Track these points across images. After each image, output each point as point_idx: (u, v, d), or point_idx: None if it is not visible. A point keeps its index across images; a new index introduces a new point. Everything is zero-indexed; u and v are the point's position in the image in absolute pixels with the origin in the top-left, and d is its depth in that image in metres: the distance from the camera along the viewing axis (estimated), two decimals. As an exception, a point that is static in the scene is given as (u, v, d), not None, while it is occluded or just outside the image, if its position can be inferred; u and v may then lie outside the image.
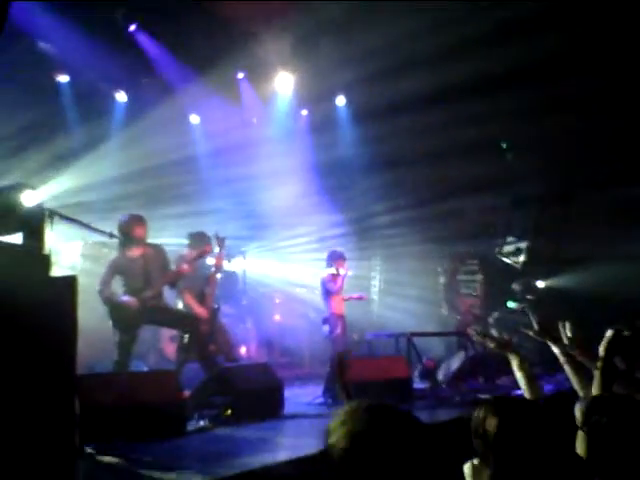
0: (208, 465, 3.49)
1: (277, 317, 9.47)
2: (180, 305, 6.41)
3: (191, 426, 4.65)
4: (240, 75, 9.38)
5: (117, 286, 5.61)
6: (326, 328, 7.30)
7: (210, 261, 6.55)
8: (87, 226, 4.87)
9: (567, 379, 6.58)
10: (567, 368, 2.95)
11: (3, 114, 7.32)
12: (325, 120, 10.09)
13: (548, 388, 6.42)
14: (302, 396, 6.51)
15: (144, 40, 8.43)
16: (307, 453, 3.43)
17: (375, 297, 9.21)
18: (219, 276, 6.30)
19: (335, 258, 7.37)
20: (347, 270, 7.29)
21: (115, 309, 5.32)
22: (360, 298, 7.77)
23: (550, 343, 3.02)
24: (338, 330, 7.26)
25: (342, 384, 5.69)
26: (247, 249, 9.07)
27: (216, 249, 6.17)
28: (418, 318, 8.87)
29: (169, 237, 7.30)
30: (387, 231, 9.67)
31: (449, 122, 8.93)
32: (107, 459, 3.67)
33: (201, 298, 6.11)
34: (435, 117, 9.05)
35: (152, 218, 6.06)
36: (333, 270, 7.26)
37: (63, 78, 8.69)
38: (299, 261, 9.42)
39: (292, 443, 4.35)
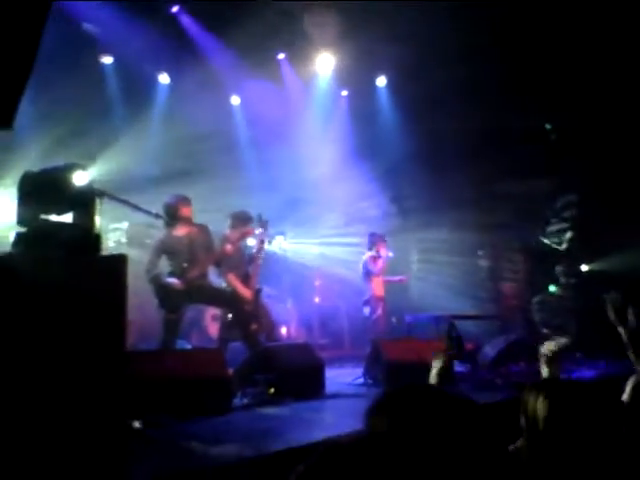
0: (252, 441, 3.55)
1: (317, 299, 9.51)
2: (224, 285, 6.48)
3: (235, 404, 4.73)
4: (281, 56, 9.37)
5: (163, 265, 5.69)
6: (367, 310, 7.33)
7: (252, 242, 6.60)
8: (135, 206, 4.92)
9: (608, 364, 6.49)
10: (630, 353, 2.92)
11: (48, 95, 7.46)
12: (365, 101, 10.03)
13: (590, 374, 6.34)
14: (342, 376, 6.56)
15: (186, 21, 8.48)
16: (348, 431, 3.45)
17: (414, 280, 9.16)
18: (262, 257, 6.33)
19: (376, 240, 7.40)
20: (388, 252, 7.30)
21: (161, 289, 5.42)
22: (401, 281, 7.77)
23: (620, 327, 2.99)
24: (379, 311, 7.30)
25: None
26: (287, 230, 9.10)
27: (259, 231, 6.21)
28: (457, 301, 8.80)
29: (210, 217, 7.37)
30: (428, 214, 9.58)
31: (493, 104, 8.79)
32: (153, 434, 3.76)
33: (245, 279, 6.17)
34: (478, 99, 8.94)
35: (194, 198, 6.12)
36: (374, 252, 7.29)
37: (107, 59, 8.80)
38: (339, 243, 9.41)
39: (334, 422, 4.39)
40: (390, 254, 7.42)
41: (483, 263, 9.33)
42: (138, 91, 8.97)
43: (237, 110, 10.04)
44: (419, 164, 9.61)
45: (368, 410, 1.65)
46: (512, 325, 8.03)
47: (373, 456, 1.53)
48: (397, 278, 7.73)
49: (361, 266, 7.45)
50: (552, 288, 9.07)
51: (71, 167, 4.16)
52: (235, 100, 10.04)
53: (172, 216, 5.55)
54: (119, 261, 4.02)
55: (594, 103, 8.56)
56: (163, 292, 5.42)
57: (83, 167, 4.18)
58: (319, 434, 3.62)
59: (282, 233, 8.93)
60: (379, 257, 7.33)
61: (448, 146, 9.42)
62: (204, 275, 5.68)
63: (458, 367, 6.83)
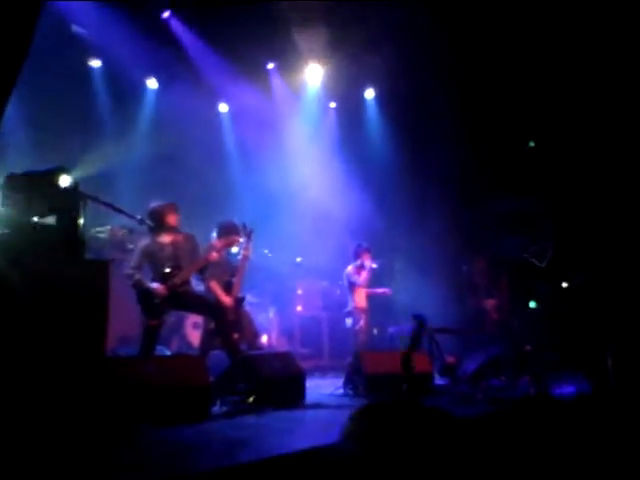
0: (231, 450, 3.53)
1: (299, 308, 9.51)
2: (204, 292, 6.46)
3: (214, 412, 4.71)
4: (270, 65, 9.41)
5: (145, 271, 5.66)
6: (349, 321, 7.36)
7: (236, 250, 6.60)
8: (119, 210, 4.93)
9: (587, 382, 6.54)
10: None
11: (35, 97, 7.42)
12: (353, 113, 10.10)
13: (569, 390, 6.38)
14: (323, 387, 6.55)
15: (177, 27, 8.51)
16: (329, 442, 3.45)
17: (398, 291, 9.19)
18: (245, 267, 6.33)
19: (360, 251, 7.43)
20: (372, 263, 7.33)
21: (143, 294, 5.39)
22: (384, 293, 7.79)
23: None
24: (361, 323, 7.32)
25: (407, 378, 5.67)
26: (270, 239, 9.10)
27: (244, 240, 6.21)
28: (439, 315, 8.84)
29: (195, 224, 7.36)
30: (413, 226, 9.63)
31: (479, 118, 8.90)
32: (131, 440, 3.73)
33: (228, 287, 6.17)
34: (465, 113, 9.04)
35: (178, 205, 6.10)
36: (358, 263, 7.33)
37: (95, 63, 8.80)
38: (324, 253, 9.42)
39: (313, 432, 4.38)
40: (374, 265, 7.45)
41: (466, 277, 9.38)
42: (126, 96, 8.96)
43: (225, 117, 10.05)
44: (405, 176, 9.67)
45: (343, 428, 1.66)
46: (493, 340, 8.07)
47: (349, 472, 1.54)
48: (381, 290, 7.75)
49: (345, 277, 7.47)
50: (532, 304, 9.15)
51: (56, 170, 4.16)
52: (223, 107, 10.05)
53: (157, 222, 5.53)
54: (102, 267, 4.02)
55: (578, 120, 8.68)
56: (145, 298, 5.39)
57: (68, 170, 4.18)
58: (298, 444, 3.61)
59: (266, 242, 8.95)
60: (363, 268, 7.36)
61: (434, 160, 9.50)
62: (187, 282, 5.67)
63: (438, 380, 6.86)
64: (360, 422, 1.64)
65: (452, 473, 1.57)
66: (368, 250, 7.46)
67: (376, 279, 7.88)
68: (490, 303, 8.55)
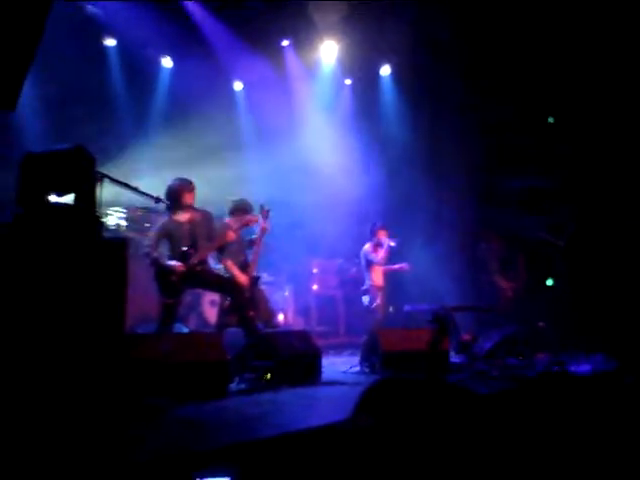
0: (249, 426, 3.57)
1: (315, 286, 9.54)
2: (221, 270, 6.49)
3: (232, 389, 4.77)
4: (285, 42, 9.33)
5: (163, 249, 5.69)
6: (366, 299, 7.37)
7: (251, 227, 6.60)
8: (135, 189, 4.94)
9: (603, 361, 6.53)
10: None
11: (50, 77, 7.44)
12: (369, 90, 10.02)
13: (585, 369, 6.36)
14: (338, 364, 6.59)
15: (191, 5, 8.45)
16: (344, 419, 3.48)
17: (415, 269, 9.18)
18: (261, 246, 6.34)
19: (376, 229, 7.43)
20: (390, 241, 7.33)
21: (161, 272, 5.42)
22: (401, 269, 7.76)
23: None
24: (378, 301, 7.34)
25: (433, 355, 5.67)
26: (287, 218, 9.10)
27: (261, 220, 6.21)
28: (456, 292, 8.82)
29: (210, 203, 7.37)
30: (429, 205, 9.58)
31: (497, 94, 8.78)
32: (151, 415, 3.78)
33: (243, 266, 6.19)
34: (481, 90, 8.93)
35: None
36: (375, 241, 7.34)
37: (110, 42, 8.78)
38: (339, 232, 9.41)
39: (329, 409, 4.42)
40: (392, 243, 7.44)
41: (483, 256, 9.34)
42: (141, 74, 8.94)
43: (239, 95, 10.01)
44: (421, 154, 9.61)
45: (357, 401, 1.67)
46: (509, 317, 8.05)
47: (358, 449, 1.55)
48: (397, 266, 7.72)
49: (362, 255, 7.48)
50: (550, 282, 9.10)
51: (73, 149, 4.17)
52: (238, 86, 10.01)
53: (174, 201, 5.55)
54: (120, 246, 4.05)
55: (598, 99, 8.54)
56: (163, 276, 5.42)
57: (85, 149, 4.19)
58: (314, 420, 3.65)
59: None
60: (380, 246, 7.38)
61: (449, 137, 9.41)
62: (204, 261, 5.69)
63: (454, 358, 6.87)
64: (375, 396, 1.65)
65: (467, 449, 1.58)
66: (384, 228, 7.46)
67: (392, 256, 7.86)
68: (506, 281, 8.51)
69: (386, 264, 7.65)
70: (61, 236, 3.68)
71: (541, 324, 7.72)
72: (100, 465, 2.43)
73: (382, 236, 7.39)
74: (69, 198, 4.11)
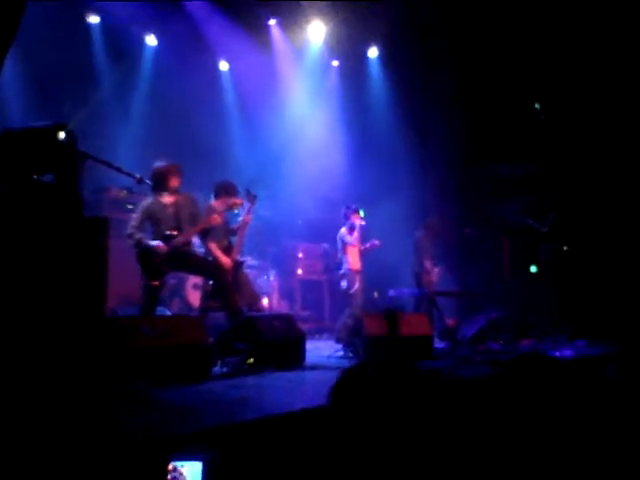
0: (232, 409, 3.54)
1: (299, 271, 9.52)
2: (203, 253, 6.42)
3: (214, 372, 4.73)
4: (272, 22, 9.21)
5: (146, 231, 5.60)
6: (344, 284, 7.38)
7: (237, 211, 6.54)
8: (117, 169, 4.84)
9: (586, 346, 6.57)
10: None
11: (33, 54, 7.28)
12: (356, 72, 9.94)
13: (568, 354, 6.41)
14: (322, 349, 6.59)
15: (176, -19, 8.29)
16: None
17: (399, 254, 9.18)
18: (246, 230, 6.26)
19: (350, 212, 7.46)
20: (360, 221, 7.39)
21: (144, 253, 5.34)
22: (372, 246, 7.75)
23: None
24: (357, 285, 7.35)
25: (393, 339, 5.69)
26: (272, 202, 9.04)
27: (247, 204, 6.13)
28: (439, 278, 8.83)
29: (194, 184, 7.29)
30: (413, 190, 9.56)
31: (484, 79, 8.75)
32: (133, 399, 3.74)
33: (227, 250, 6.11)
34: (468, 75, 8.89)
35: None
36: (349, 224, 7.38)
37: (94, 19, 8.61)
38: (322, 215, 9.37)
39: (312, 393, 4.39)
40: (362, 222, 7.47)
41: (467, 240, 9.35)
42: (125, 52, 8.79)
43: (225, 75, 9.88)
44: (406, 137, 9.57)
45: (333, 387, 1.64)
46: (493, 303, 8.09)
47: (334, 431, 1.52)
48: (369, 244, 7.71)
49: (338, 239, 7.51)
50: (533, 268, 9.13)
51: (53, 126, 4.07)
52: (223, 65, 9.88)
53: (160, 183, 5.46)
54: (100, 224, 3.96)
55: (582, 85, 8.54)
56: (146, 257, 5.34)
57: (65, 127, 4.09)
58: (297, 404, 3.62)
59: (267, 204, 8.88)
60: (354, 228, 7.42)
61: (435, 122, 9.38)
62: (188, 243, 5.62)
63: (438, 344, 6.89)
64: (346, 383, 1.62)
65: (441, 435, 1.56)
66: (357, 210, 7.52)
67: (366, 237, 7.83)
68: (489, 266, 8.53)
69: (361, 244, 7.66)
70: (40, 214, 3.59)
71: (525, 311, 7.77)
72: (75, 448, 2.38)
73: (355, 218, 7.44)
74: (49, 177, 4.03)
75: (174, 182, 5.56)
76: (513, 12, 8.16)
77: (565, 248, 9.00)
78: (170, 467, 2.22)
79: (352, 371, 1.68)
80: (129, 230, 5.41)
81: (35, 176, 3.92)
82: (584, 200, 9.04)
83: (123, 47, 8.74)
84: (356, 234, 7.44)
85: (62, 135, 3.90)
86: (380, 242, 7.83)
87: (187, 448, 2.34)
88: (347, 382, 1.66)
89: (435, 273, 8.22)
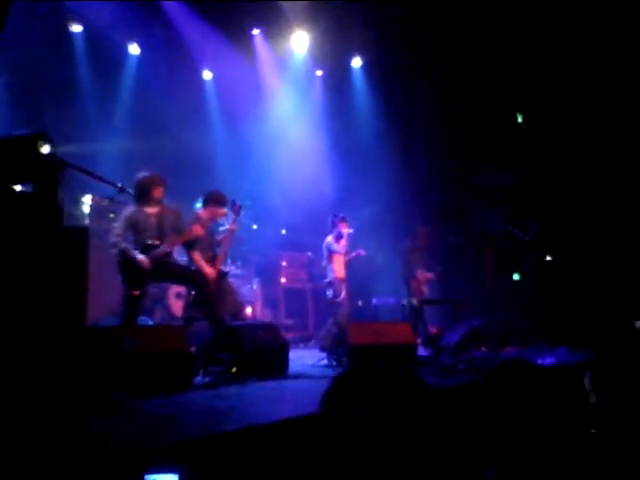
0: (215, 419, 3.51)
1: (283, 280, 9.50)
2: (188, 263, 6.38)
3: (197, 382, 4.70)
4: (255, 31, 9.23)
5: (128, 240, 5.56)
6: (330, 292, 7.38)
7: (221, 221, 6.51)
8: (99, 178, 4.82)
9: (567, 353, 6.62)
10: None
11: (13, 62, 7.24)
12: (340, 81, 9.99)
13: (550, 361, 6.44)
14: (306, 357, 6.57)
15: (159, -9, 8.29)
16: (312, 412, 3.45)
17: (383, 263, 9.21)
18: (230, 242, 6.24)
19: (337, 221, 7.47)
20: (348, 230, 7.41)
21: (126, 264, 5.30)
22: (358, 254, 7.78)
23: None
24: (343, 294, 7.36)
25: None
26: (255, 211, 9.03)
27: (232, 216, 6.11)
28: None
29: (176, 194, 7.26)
30: (398, 200, 9.60)
31: (466, 89, 8.83)
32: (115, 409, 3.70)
33: (212, 259, 6.06)
34: (451, 83, 8.96)
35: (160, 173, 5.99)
36: (336, 232, 7.40)
37: (76, 28, 8.58)
38: (305, 224, 9.38)
39: (296, 401, 4.38)
40: (350, 230, 7.49)
41: (451, 248, 9.40)
42: (107, 61, 8.76)
43: (209, 85, 9.88)
44: (389, 146, 9.61)
45: (324, 394, 1.63)
46: (476, 310, 8.12)
47: (328, 436, 1.51)
48: (355, 253, 7.74)
49: (324, 247, 7.51)
50: (516, 276, 9.19)
51: (33, 135, 4.04)
52: (207, 75, 9.88)
53: (143, 195, 5.43)
54: (80, 234, 3.93)
55: (565, 96, 8.64)
56: (128, 267, 5.30)
57: (46, 136, 4.06)
58: (280, 413, 3.60)
59: (251, 214, 8.87)
60: (342, 237, 7.43)
61: (418, 131, 9.44)
62: (169, 254, 5.58)
63: (421, 351, 6.90)
64: (338, 390, 1.62)
65: (426, 440, 1.56)
66: (344, 219, 7.53)
67: (352, 246, 7.86)
68: (472, 274, 8.57)
69: (347, 254, 7.68)
70: (18, 224, 3.55)
71: (506, 318, 7.81)
72: (49, 459, 2.34)
73: (342, 227, 7.45)
74: (29, 186, 3.99)
75: (157, 193, 5.52)
76: (495, 21, 8.25)
77: (548, 258, 9.08)
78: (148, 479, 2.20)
79: (343, 378, 1.68)
80: (113, 239, 5.37)
81: (14, 185, 3.89)
82: (566, 210, 9.13)
83: (106, 56, 8.71)
84: (344, 242, 7.47)
85: (42, 144, 3.87)
86: (365, 252, 7.86)
87: (163, 460, 2.32)
88: (338, 389, 1.66)
89: (427, 279, 8.24)
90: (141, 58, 9.10)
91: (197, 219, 5.95)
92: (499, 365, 2.14)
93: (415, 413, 1.55)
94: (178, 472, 2.20)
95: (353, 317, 7.89)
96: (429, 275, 8.31)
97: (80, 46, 8.66)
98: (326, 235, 7.66)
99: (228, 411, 3.77)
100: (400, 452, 1.51)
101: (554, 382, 2.09)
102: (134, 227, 5.45)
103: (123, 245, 5.31)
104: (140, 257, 5.30)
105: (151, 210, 5.52)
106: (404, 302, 8.10)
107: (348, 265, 7.67)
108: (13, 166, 3.91)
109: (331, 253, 7.44)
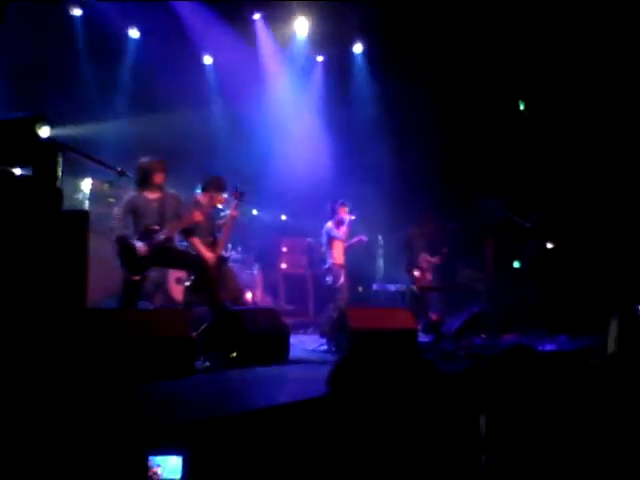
0: (217, 403, 3.52)
1: (283, 265, 9.50)
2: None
3: (197, 366, 4.69)
4: (256, 16, 9.16)
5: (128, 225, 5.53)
6: (329, 278, 7.36)
7: (221, 206, 6.48)
8: (98, 161, 4.79)
9: (567, 341, 6.63)
10: None
11: (15, 46, 7.18)
12: (341, 67, 9.93)
13: (550, 348, 6.46)
14: (306, 343, 6.59)
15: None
16: (313, 396, 3.45)
17: (383, 249, 9.20)
18: (232, 228, 6.20)
19: (338, 207, 7.43)
20: (350, 216, 7.37)
21: (125, 249, 5.28)
22: (360, 241, 7.76)
23: None
24: (342, 280, 7.35)
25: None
26: (256, 195, 8.99)
27: (234, 202, 6.07)
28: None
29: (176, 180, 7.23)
30: (396, 185, 9.56)
31: (468, 75, 8.78)
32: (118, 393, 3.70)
33: (212, 245, 6.04)
34: (454, 69, 8.92)
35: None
36: (337, 218, 7.36)
37: (76, 11, 8.51)
38: (305, 210, 9.35)
39: (296, 386, 4.39)
40: (352, 217, 7.45)
41: (451, 235, 9.38)
42: (107, 45, 8.69)
43: (209, 69, 9.82)
44: (388, 133, 9.58)
45: (330, 375, 1.62)
46: (476, 297, 8.11)
47: (336, 416, 1.51)
48: (356, 239, 7.72)
49: (324, 233, 7.46)
50: (516, 264, 9.18)
51: (32, 118, 4.01)
52: (207, 59, 9.81)
53: (144, 179, 5.40)
54: (80, 217, 3.92)
55: (567, 83, 8.60)
56: (127, 253, 5.28)
57: (45, 118, 4.03)
58: (281, 397, 3.62)
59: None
60: (342, 223, 7.39)
61: (419, 114, 9.38)
62: (169, 240, 5.55)
63: (422, 338, 6.91)
64: (344, 372, 1.61)
65: (431, 422, 1.55)
66: (344, 204, 7.48)
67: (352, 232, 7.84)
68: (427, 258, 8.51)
69: (347, 240, 7.65)
70: (18, 208, 3.53)
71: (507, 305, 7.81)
72: (53, 441, 2.34)
73: (343, 213, 7.41)
74: (28, 169, 3.98)
75: (159, 178, 5.49)
76: (498, 9, 8.20)
77: (549, 245, 9.07)
78: (151, 460, 2.20)
79: (349, 360, 1.67)
80: (112, 224, 5.35)
81: (13, 169, 3.87)
82: (567, 197, 9.11)
83: (105, 40, 8.64)
84: (344, 229, 7.42)
85: (41, 127, 3.85)
86: (367, 238, 7.83)
87: (167, 442, 2.32)
88: (345, 371, 1.65)
89: (433, 264, 8.23)
90: (141, 42, 9.03)
91: (197, 204, 5.93)
92: (503, 351, 2.13)
93: (423, 395, 1.55)
94: (182, 454, 2.20)
95: (353, 303, 7.88)
96: (433, 260, 8.30)
97: (79, 30, 8.59)
98: (326, 221, 7.63)
99: (228, 395, 3.78)
100: (406, 434, 1.50)
101: (558, 368, 2.08)
102: (134, 212, 5.43)
103: (122, 231, 5.29)
104: (138, 244, 5.27)
105: (152, 195, 5.49)
106: (404, 288, 8.10)
107: (349, 251, 7.64)
108: (12, 149, 3.88)
109: (331, 239, 7.41)
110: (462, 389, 2.14)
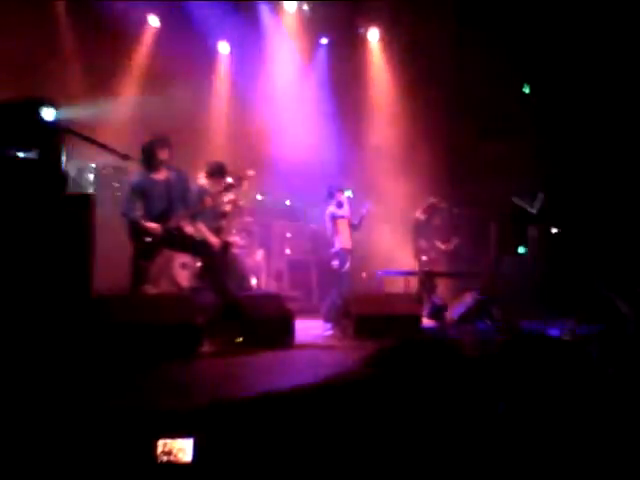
0: (223, 387, 3.52)
1: (288, 251, 9.49)
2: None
3: (203, 351, 4.69)
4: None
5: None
6: (335, 263, 7.32)
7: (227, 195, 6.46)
8: (102, 146, 4.76)
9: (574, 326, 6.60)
10: None
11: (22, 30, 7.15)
12: (345, 50, 9.88)
13: (554, 334, 6.44)
14: (311, 328, 6.57)
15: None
16: (317, 381, 3.44)
17: (387, 234, 9.15)
18: (236, 212, 6.20)
19: (334, 190, 7.36)
20: (348, 194, 7.33)
21: (137, 232, 5.27)
22: (367, 210, 7.60)
23: None
24: (348, 264, 7.30)
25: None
26: (261, 181, 8.96)
27: (238, 186, 6.05)
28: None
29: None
30: (401, 172, 9.52)
31: (478, 57, 8.71)
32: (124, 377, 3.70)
33: (217, 230, 6.04)
34: (457, 51, 8.87)
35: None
36: (335, 201, 7.32)
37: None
38: (311, 195, 9.32)
39: (302, 370, 4.38)
40: (349, 194, 7.40)
41: (455, 220, 9.36)
42: (126, 32, 8.65)
43: (215, 53, 9.79)
44: (393, 116, 9.53)
45: (367, 359, 1.62)
46: (480, 282, 8.10)
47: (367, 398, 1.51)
48: (363, 209, 7.53)
49: (327, 217, 7.38)
50: (521, 249, 9.16)
51: (36, 101, 3.98)
52: (223, 47, 9.79)
53: (149, 158, 5.37)
54: (86, 201, 3.90)
55: (573, 66, 8.53)
56: (139, 237, 5.28)
57: (49, 101, 4.00)
58: (287, 381, 3.60)
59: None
60: (342, 204, 7.33)
61: (429, 100, 9.33)
62: (180, 226, 5.53)
63: (427, 323, 6.90)
64: (387, 354, 1.64)
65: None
66: (341, 187, 7.44)
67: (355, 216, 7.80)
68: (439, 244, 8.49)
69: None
70: (22, 191, 3.51)
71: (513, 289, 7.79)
72: (62, 427, 2.34)
73: (340, 195, 7.35)
74: (33, 153, 3.94)
75: (163, 154, 5.45)
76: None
77: (554, 230, 9.04)
78: (160, 444, 2.20)
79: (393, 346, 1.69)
80: (123, 208, 5.36)
81: (18, 152, 3.84)
82: (573, 181, 9.07)
83: (125, 27, 8.58)
84: (346, 207, 7.38)
85: (45, 110, 3.81)
86: (370, 204, 7.67)
87: (177, 426, 2.32)
88: (386, 355, 1.68)
89: (443, 251, 8.21)
90: (160, 29, 8.98)
91: (204, 192, 5.91)
92: (514, 336, 2.13)
93: (453, 380, 1.56)
94: (193, 437, 2.20)
95: (358, 289, 7.86)
96: (444, 247, 8.25)
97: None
98: (325, 206, 7.57)
99: (234, 380, 3.77)
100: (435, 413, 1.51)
101: (567, 353, 2.07)
102: (142, 195, 5.41)
103: (133, 214, 5.29)
104: (152, 225, 5.29)
105: (158, 176, 5.46)
106: (409, 274, 8.08)
107: (359, 228, 7.51)
108: (16, 132, 3.85)
109: (335, 219, 7.30)
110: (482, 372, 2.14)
